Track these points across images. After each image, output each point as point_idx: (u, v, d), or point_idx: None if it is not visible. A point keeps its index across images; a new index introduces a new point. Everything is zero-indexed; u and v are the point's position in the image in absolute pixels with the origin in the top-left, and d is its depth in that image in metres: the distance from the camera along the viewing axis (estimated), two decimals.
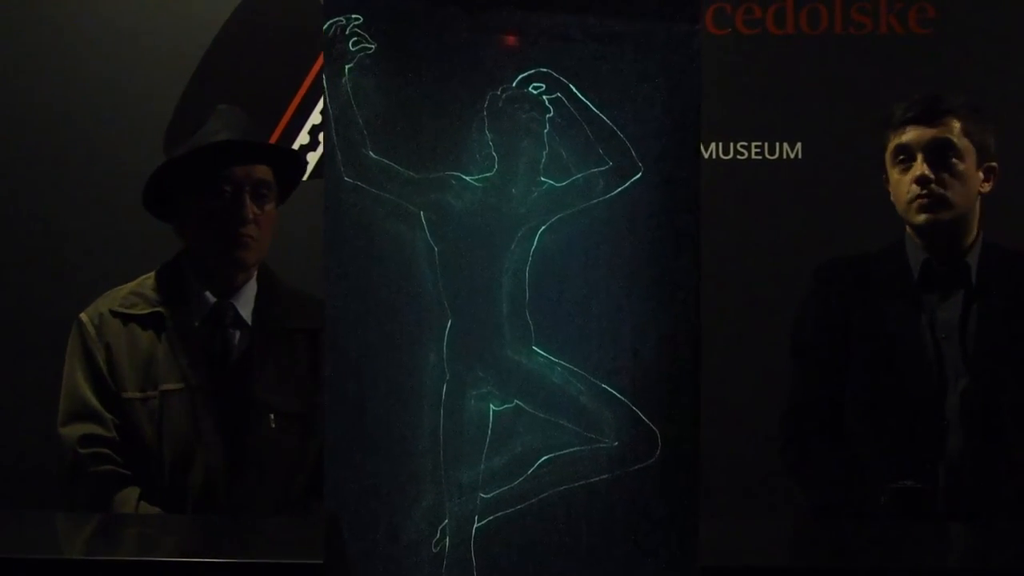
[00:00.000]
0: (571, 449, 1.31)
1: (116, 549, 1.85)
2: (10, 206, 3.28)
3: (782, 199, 3.22)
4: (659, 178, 1.30)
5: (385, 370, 1.31)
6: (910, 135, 2.41)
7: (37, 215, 3.27)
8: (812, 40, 3.25)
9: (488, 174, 1.32)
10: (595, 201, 1.31)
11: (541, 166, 1.32)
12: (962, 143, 2.40)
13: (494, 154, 1.32)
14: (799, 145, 3.23)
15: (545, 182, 1.32)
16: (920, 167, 2.38)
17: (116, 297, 2.34)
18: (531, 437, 1.31)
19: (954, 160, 2.39)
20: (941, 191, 2.38)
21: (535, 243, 1.31)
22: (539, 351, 1.31)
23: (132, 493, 2.23)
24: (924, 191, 2.38)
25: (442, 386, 1.31)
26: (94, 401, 2.25)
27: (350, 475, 1.32)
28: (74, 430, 2.25)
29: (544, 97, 1.31)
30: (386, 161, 1.32)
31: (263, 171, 2.31)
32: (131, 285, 2.36)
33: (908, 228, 2.48)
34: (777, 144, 3.23)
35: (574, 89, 1.30)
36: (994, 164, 2.46)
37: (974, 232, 2.46)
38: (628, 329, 1.30)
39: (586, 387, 1.31)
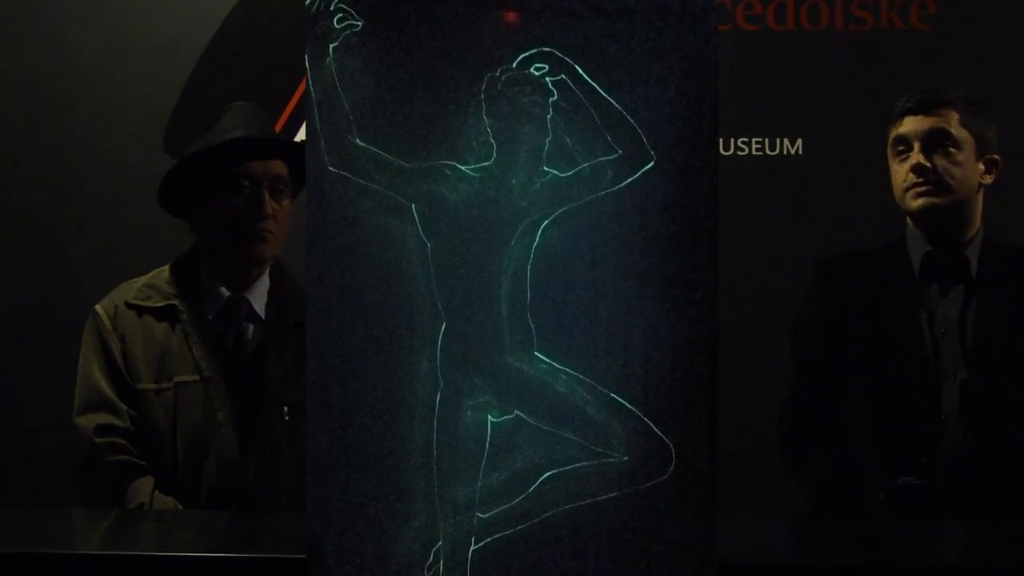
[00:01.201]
0: (577, 464, 1.24)
1: (127, 544, 1.86)
2: (15, 203, 3.32)
3: (783, 195, 3.25)
4: (673, 168, 1.24)
5: (373, 378, 1.25)
6: (908, 125, 2.47)
7: (45, 211, 3.31)
8: (813, 36, 3.27)
9: (486, 163, 1.26)
10: (603, 193, 1.24)
11: (544, 155, 1.25)
12: (960, 133, 2.46)
13: (492, 141, 1.25)
14: (800, 141, 3.26)
15: (548, 172, 1.25)
16: (917, 155, 2.44)
17: (131, 289, 2.40)
18: (533, 451, 1.25)
19: (951, 148, 2.45)
20: (936, 178, 2.43)
21: (537, 239, 1.25)
22: (542, 357, 1.24)
23: (147, 483, 2.28)
24: (920, 178, 2.44)
25: (435, 395, 1.25)
26: (109, 392, 2.32)
27: (334, 493, 1.26)
28: (89, 420, 2.30)
29: (547, 79, 1.24)
30: (374, 149, 1.26)
31: (279, 166, 2.38)
32: (146, 278, 2.43)
33: (908, 221, 2.51)
34: (778, 140, 3.26)
35: (580, 70, 1.24)
36: (996, 157, 2.50)
37: (975, 225, 2.49)
38: (639, 333, 1.23)
39: (593, 396, 1.24)
